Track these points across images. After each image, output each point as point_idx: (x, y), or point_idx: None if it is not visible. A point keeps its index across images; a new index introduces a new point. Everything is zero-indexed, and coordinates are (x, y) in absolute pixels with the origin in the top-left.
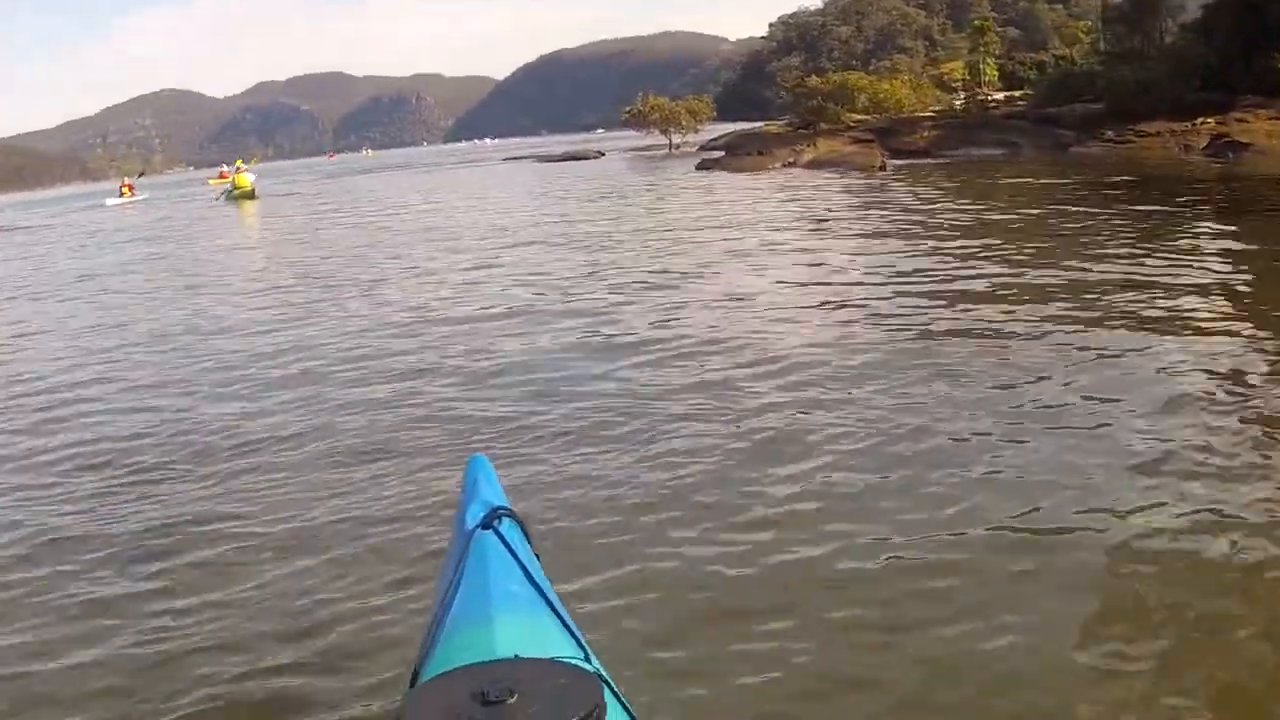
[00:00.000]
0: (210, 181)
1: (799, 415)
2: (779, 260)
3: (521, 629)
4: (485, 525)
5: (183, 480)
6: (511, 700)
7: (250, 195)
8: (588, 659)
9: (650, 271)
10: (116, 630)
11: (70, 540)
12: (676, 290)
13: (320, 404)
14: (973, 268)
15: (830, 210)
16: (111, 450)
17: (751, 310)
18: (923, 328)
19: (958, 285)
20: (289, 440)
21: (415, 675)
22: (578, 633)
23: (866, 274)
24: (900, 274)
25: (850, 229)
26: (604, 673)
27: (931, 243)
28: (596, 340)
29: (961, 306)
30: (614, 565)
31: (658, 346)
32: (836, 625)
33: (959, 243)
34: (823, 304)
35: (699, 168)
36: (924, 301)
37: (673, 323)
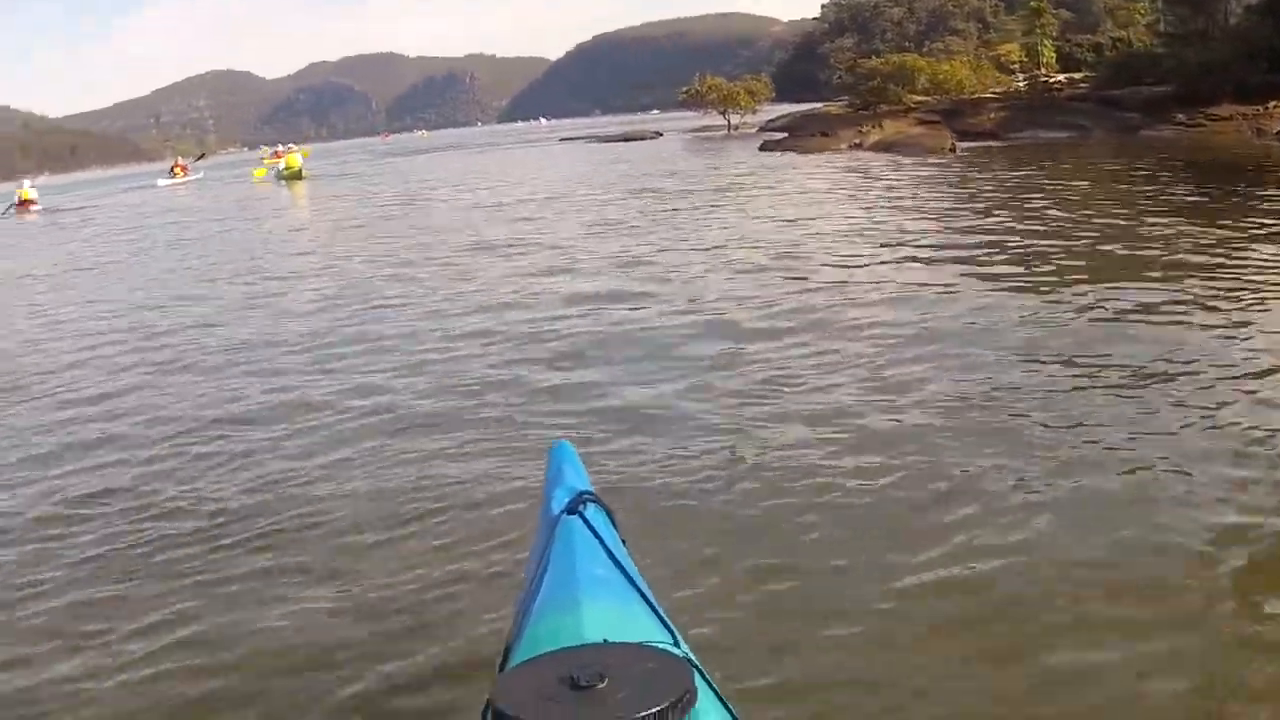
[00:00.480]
0: (265, 160)
1: (906, 404)
2: (875, 242)
3: (609, 613)
4: (571, 510)
5: (269, 464)
6: (601, 685)
7: (299, 176)
8: (676, 644)
9: (742, 255)
10: (201, 610)
11: (163, 521)
12: (769, 273)
13: (394, 387)
14: (1101, 256)
15: (918, 195)
16: (198, 428)
17: (853, 293)
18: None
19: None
20: (372, 424)
21: (504, 659)
22: (666, 617)
23: (984, 263)
24: (1041, 278)
25: (956, 216)
26: (693, 658)
27: (1055, 239)
28: (686, 324)
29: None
30: (701, 551)
31: (754, 331)
32: (939, 628)
33: (1077, 232)
34: (936, 289)
35: (762, 149)
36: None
37: (771, 306)
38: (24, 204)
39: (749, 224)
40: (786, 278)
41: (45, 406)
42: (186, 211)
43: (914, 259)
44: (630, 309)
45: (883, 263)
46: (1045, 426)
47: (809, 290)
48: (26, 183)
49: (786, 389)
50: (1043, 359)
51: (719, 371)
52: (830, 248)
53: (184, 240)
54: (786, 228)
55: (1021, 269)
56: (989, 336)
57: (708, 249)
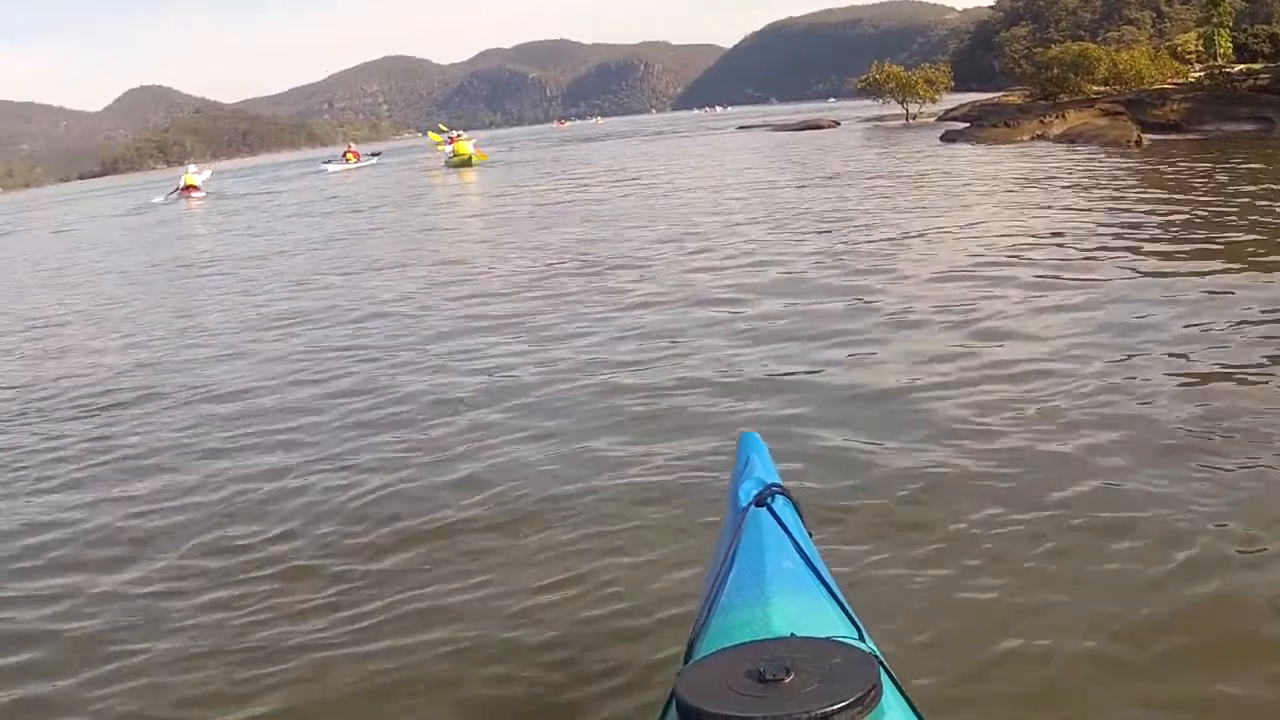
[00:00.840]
0: (437, 145)
1: (1107, 407)
2: (1084, 242)
3: (796, 607)
4: (759, 502)
5: (454, 447)
6: (787, 679)
7: (468, 163)
8: (862, 638)
9: (946, 253)
10: (381, 608)
11: (322, 516)
12: (983, 272)
13: (574, 375)
14: None
15: (1120, 190)
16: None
17: (1069, 297)
18: None
19: None
20: (559, 411)
21: (689, 652)
22: (852, 612)
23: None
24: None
25: (1168, 213)
26: (879, 653)
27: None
28: (878, 318)
29: None
30: (889, 547)
31: (948, 329)
32: (1136, 637)
33: None
34: (1180, 295)
35: (944, 139)
36: None
37: (968, 308)
38: (188, 190)
39: (951, 219)
40: (995, 280)
41: (225, 404)
42: (353, 200)
43: (1132, 265)
44: (830, 304)
45: (1095, 262)
46: None
47: (1023, 293)
48: (191, 168)
49: (997, 391)
50: None
51: (922, 367)
52: (1040, 248)
53: (353, 230)
54: (989, 225)
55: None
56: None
57: (909, 244)
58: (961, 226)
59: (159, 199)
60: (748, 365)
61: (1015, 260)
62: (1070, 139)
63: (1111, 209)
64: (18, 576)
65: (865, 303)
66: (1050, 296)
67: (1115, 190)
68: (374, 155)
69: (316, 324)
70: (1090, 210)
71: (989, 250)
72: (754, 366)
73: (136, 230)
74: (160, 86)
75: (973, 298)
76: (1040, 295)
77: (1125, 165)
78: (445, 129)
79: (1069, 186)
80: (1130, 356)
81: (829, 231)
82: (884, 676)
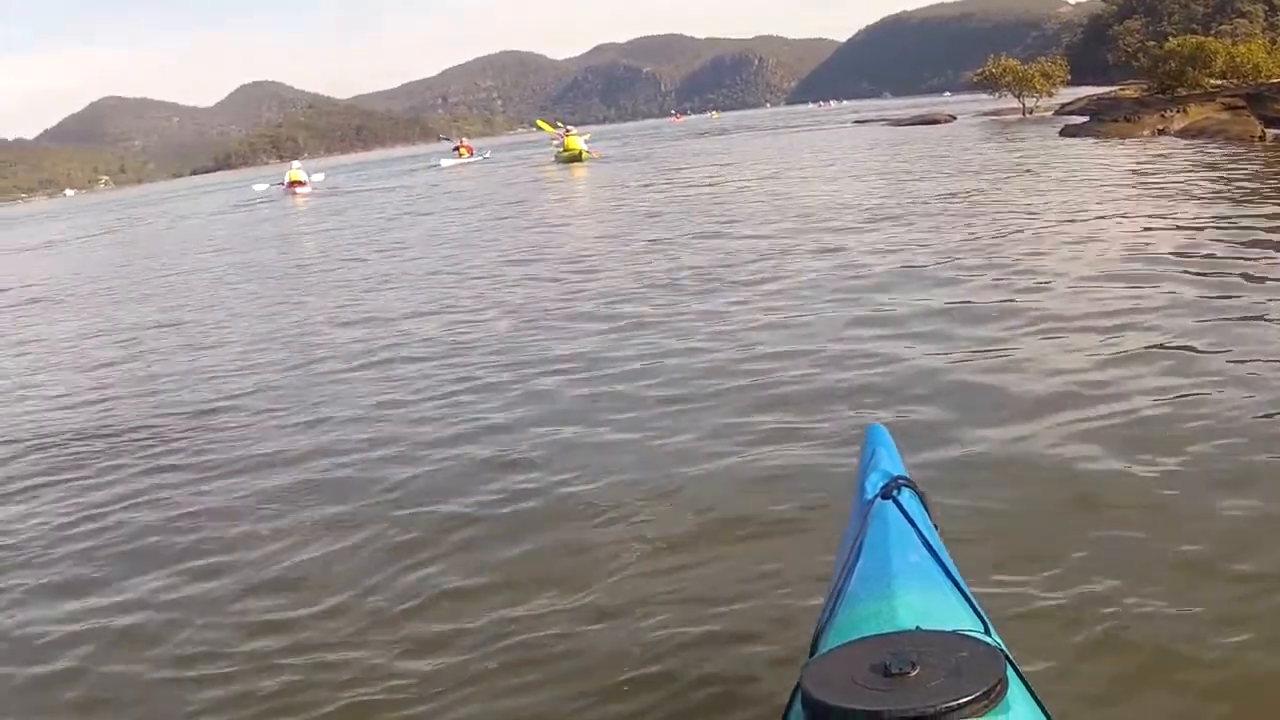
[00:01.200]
0: (547, 131)
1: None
2: (1230, 243)
3: (922, 600)
4: (885, 495)
5: (570, 437)
6: (913, 672)
7: (578, 158)
8: (988, 632)
9: (1088, 253)
10: (503, 605)
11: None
12: (1127, 273)
13: (703, 367)
14: None
15: (1260, 190)
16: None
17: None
18: None
19: None
20: (687, 401)
21: (814, 644)
22: (978, 606)
23: None
24: None
25: None
26: (1004, 648)
27: None
28: (1017, 316)
29: None
30: (1015, 542)
31: (1090, 330)
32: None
33: None
34: None
35: (1063, 134)
36: None
37: (1115, 309)
38: (293, 185)
39: (1088, 216)
40: (1146, 280)
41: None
42: (461, 195)
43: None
44: (968, 301)
45: (1249, 263)
46: None
47: (1178, 295)
48: (296, 164)
49: (1146, 396)
50: None
51: (1064, 368)
52: (1188, 249)
53: (476, 226)
54: (1129, 223)
55: None
56: None
57: (1048, 240)
58: (1100, 223)
59: (261, 187)
60: (878, 358)
61: (1164, 260)
62: (1192, 134)
63: (1257, 207)
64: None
65: (1005, 301)
66: (1209, 298)
67: (1252, 188)
68: (486, 154)
69: (463, 313)
70: (1235, 207)
71: (1133, 250)
72: (884, 359)
73: (248, 226)
74: (272, 82)
75: (1122, 298)
76: (1202, 297)
77: (1255, 161)
78: (561, 124)
79: (1203, 183)
80: None
81: (961, 226)
82: (1010, 671)
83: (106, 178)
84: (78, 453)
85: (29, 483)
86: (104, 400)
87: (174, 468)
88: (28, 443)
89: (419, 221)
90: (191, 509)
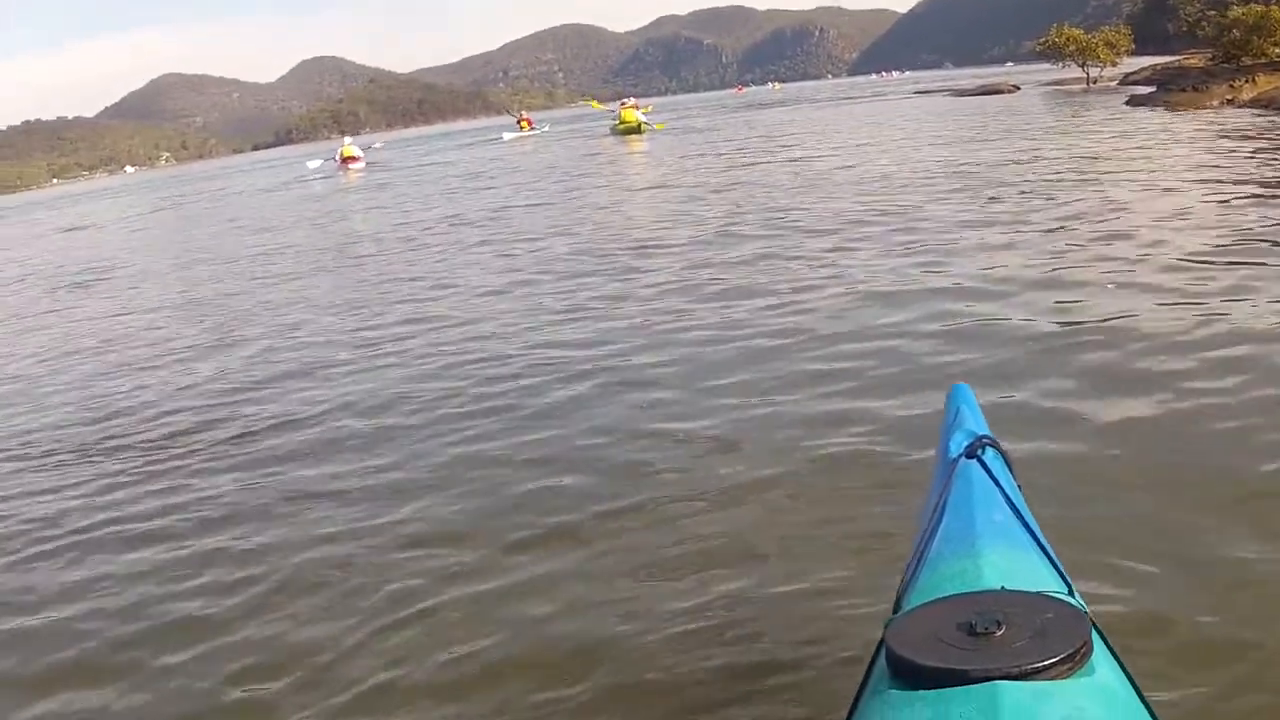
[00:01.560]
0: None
1: None
2: None
3: (1006, 560)
4: (969, 454)
5: (667, 405)
6: (999, 632)
7: (636, 130)
8: (1071, 594)
9: (1181, 237)
10: (593, 570)
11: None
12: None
13: (782, 329)
14: None
15: None
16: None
17: None
18: None
19: None
20: (765, 363)
21: (898, 602)
22: (1062, 568)
23: None
24: None
25: None
26: (1087, 609)
27: None
28: (1117, 285)
29: None
30: (1099, 505)
31: (1176, 302)
32: None
33: None
34: None
35: (1130, 104)
36: None
37: (1204, 283)
38: (346, 161)
39: (1177, 192)
40: (1240, 257)
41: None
42: (515, 171)
43: None
44: (1045, 268)
45: None
46: None
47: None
48: (348, 140)
49: (1228, 365)
50: None
51: (1149, 334)
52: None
53: (539, 200)
54: (1217, 195)
55: None
56: None
57: (1136, 213)
58: (1189, 196)
59: (315, 163)
60: (961, 320)
61: (1267, 234)
62: (1263, 104)
63: None
64: None
65: (1101, 271)
66: None
67: None
68: (544, 127)
69: (534, 285)
70: None
71: (1230, 224)
72: (968, 321)
73: (304, 202)
74: (334, 57)
75: (1223, 272)
76: None
77: None
78: (622, 101)
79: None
80: None
81: (1045, 196)
82: (1094, 634)
83: (167, 154)
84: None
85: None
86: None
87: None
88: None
89: (475, 197)
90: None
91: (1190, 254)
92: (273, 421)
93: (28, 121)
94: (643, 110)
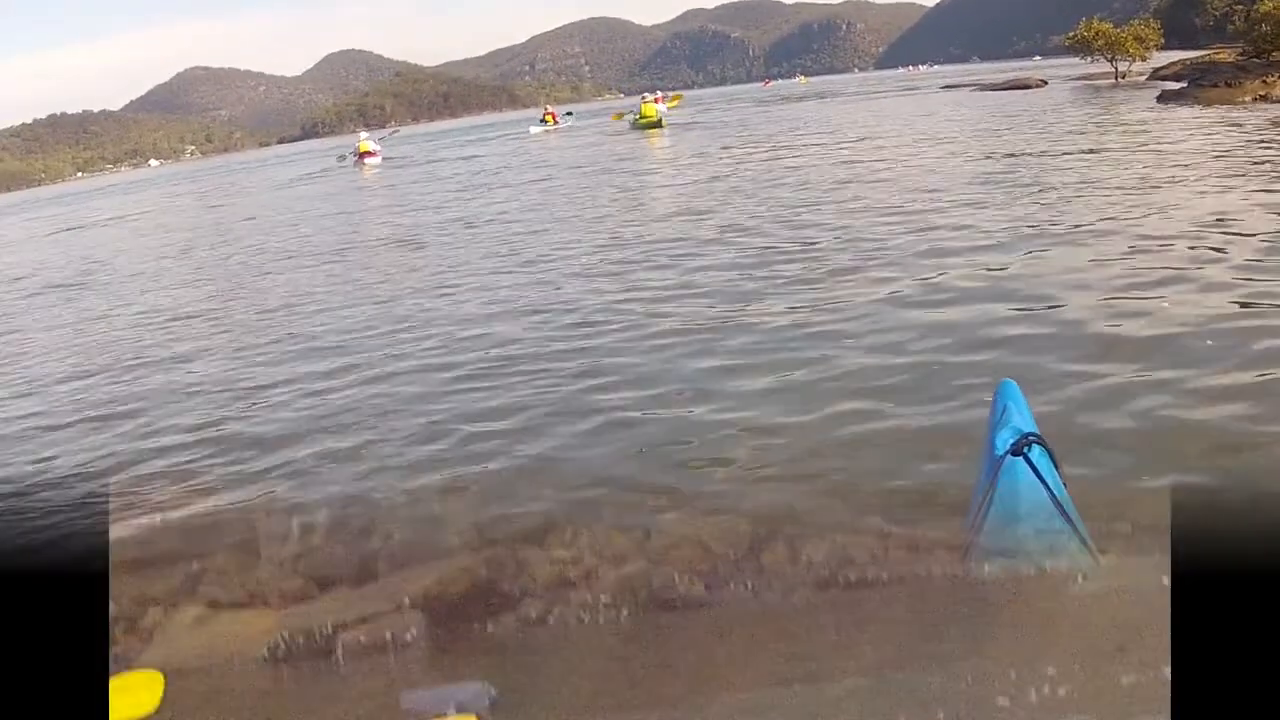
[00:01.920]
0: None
1: None
2: None
3: (1049, 562)
4: (1015, 451)
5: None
6: None
7: (657, 124)
8: None
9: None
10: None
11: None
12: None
13: (824, 325)
14: None
15: None
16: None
17: None
18: None
19: None
20: (803, 359)
21: None
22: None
23: None
24: None
25: None
26: None
27: None
28: (1165, 281)
29: None
30: (1149, 503)
31: (1223, 299)
32: None
33: None
34: None
35: (1161, 100)
36: None
37: (1251, 277)
38: (362, 156)
39: (1215, 191)
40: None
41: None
42: (535, 165)
43: None
44: (1106, 260)
45: None
46: None
47: None
48: (364, 134)
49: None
50: None
51: (1201, 334)
52: None
53: (568, 198)
54: (1256, 193)
55: None
56: None
57: (1176, 209)
58: (1230, 194)
59: (340, 157)
60: (1006, 318)
61: None
62: None
63: None
64: None
65: (1150, 267)
66: None
67: None
68: (568, 114)
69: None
70: None
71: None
72: (1012, 318)
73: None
74: (359, 50)
75: (1271, 270)
76: None
77: None
78: (651, 95)
79: None
80: None
81: (1087, 195)
82: None
83: (192, 147)
84: None
85: None
86: None
87: None
88: None
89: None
90: None
91: (1253, 257)
92: None
93: (53, 115)
94: (668, 102)
